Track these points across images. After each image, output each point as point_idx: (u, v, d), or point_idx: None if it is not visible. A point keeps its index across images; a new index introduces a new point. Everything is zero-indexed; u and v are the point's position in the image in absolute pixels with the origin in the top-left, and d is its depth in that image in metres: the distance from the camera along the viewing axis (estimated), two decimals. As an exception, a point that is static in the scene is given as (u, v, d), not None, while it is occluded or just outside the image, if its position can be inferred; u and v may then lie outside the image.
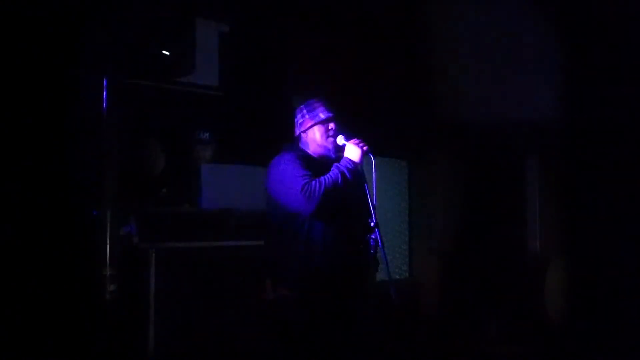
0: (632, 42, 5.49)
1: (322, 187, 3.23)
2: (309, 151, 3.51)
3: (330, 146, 3.50)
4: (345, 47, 5.44)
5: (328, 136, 3.49)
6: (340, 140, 3.49)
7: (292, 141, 3.59)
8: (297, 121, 3.55)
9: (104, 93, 3.49)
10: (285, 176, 3.28)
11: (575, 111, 5.81)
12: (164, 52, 3.58)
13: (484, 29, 5.75)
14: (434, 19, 5.73)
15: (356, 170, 3.39)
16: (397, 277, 5.92)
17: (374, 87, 5.60)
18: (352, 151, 3.42)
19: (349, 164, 3.38)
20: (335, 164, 3.41)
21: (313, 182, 3.23)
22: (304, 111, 3.53)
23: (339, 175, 3.31)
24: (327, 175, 3.30)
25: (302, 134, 3.53)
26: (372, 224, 3.40)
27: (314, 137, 3.50)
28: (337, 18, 5.37)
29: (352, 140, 3.46)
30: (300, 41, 5.22)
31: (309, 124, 3.49)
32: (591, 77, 5.70)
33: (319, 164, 3.40)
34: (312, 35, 5.28)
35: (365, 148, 3.43)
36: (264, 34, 5.04)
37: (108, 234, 3.63)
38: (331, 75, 5.22)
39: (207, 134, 4.87)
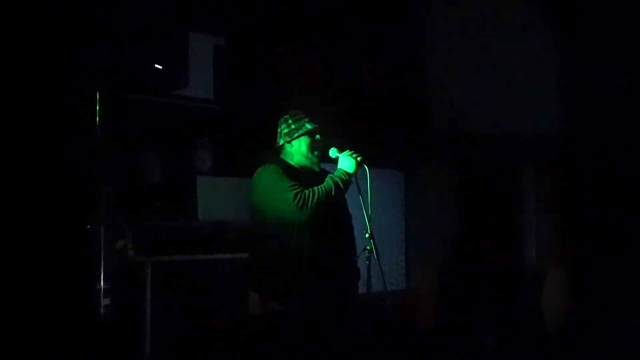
0: (631, 52, 5.50)
1: (315, 197, 3.22)
2: (291, 162, 3.49)
3: (315, 159, 3.48)
4: (339, 58, 5.45)
5: (314, 148, 3.47)
6: (333, 152, 3.48)
7: (273, 150, 3.56)
8: (281, 131, 3.51)
9: (97, 107, 3.49)
10: (275, 187, 3.26)
11: (571, 121, 5.82)
12: (157, 66, 3.58)
13: (481, 40, 5.76)
14: (430, 29, 5.74)
15: (349, 182, 3.39)
16: (394, 288, 5.91)
17: (369, 98, 5.60)
18: (346, 163, 3.41)
19: (343, 175, 3.37)
20: (330, 174, 3.40)
21: (306, 192, 3.22)
22: (289, 121, 3.49)
23: (333, 186, 3.30)
24: (321, 185, 3.29)
25: (286, 144, 3.49)
26: (367, 235, 3.40)
27: (299, 149, 3.47)
28: (332, 29, 5.38)
29: (345, 152, 3.45)
30: (294, 53, 5.23)
31: (295, 135, 3.46)
32: (588, 86, 5.70)
33: (302, 176, 3.38)
34: (306, 47, 5.29)
35: (359, 159, 3.42)
36: (258, 46, 5.05)
37: (102, 247, 3.62)
38: (326, 86, 5.22)
39: (206, 140, 4.87)
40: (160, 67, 3.60)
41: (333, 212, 3.36)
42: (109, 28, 3.46)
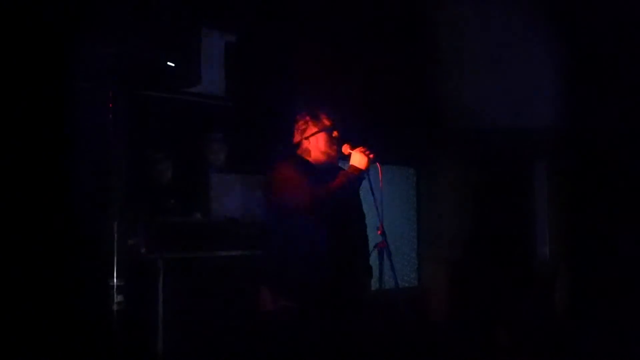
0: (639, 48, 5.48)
1: (330, 194, 3.22)
2: (309, 159, 3.48)
3: (334, 154, 3.47)
4: (351, 54, 5.44)
5: (332, 144, 3.46)
6: (346, 149, 3.47)
7: (290, 147, 3.55)
8: (299, 127, 3.49)
9: (110, 104, 3.51)
10: (290, 183, 3.26)
11: (583, 117, 5.80)
12: (169, 63, 3.59)
13: (491, 35, 5.75)
14: (440, 25, 5.73)
15: (362, 178, 3.38)
16: (406, 285, 5.91)
17: (381, 95, 5.59)
18: (358, 159, 3.40)
19: (355, 171, 3.36)
20: (342, 171, 3.39)
21: (321, 189, 3.22)
22: (307, 117, 3.48)
23: (346, 182, 3.29)
24: (334, 182, 3.29)
25: (303, 140, 3.48)
26: (379, 232, 3.39)
27: (317, 145, 3.45)
28: (343, 26, 5.37)
29: (357, 149, 3.44)
30: (306, 49, 5.22)
31: (313, 131, 3.45)
32: (599, 82, 5.68)
33: (319, 173, 3.37)
34: (317, 44, 5.28)
35: (371, 156, 3.41)
36: (270, 43, 5.04)
37: (115, 244, 3.64)
38: (337, 83, 5.22)
39: (218, 137, 4.88)
40: (173, 65, 3.61)
41: (347, 208, 3.35)
42: (121, 26, 3.47)
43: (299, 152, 3.51)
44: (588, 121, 5.77)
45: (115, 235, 3.68)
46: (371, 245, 3.52)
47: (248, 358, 4.17)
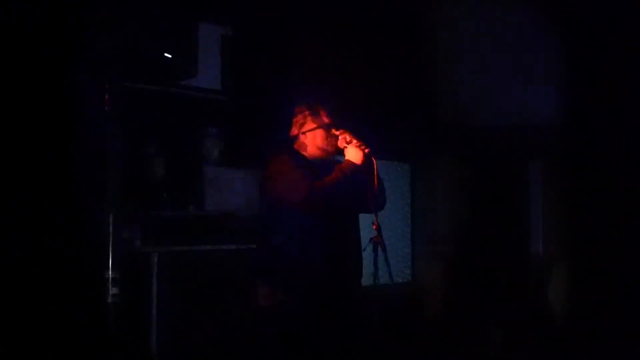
0: (636, 45, 5.48)
1: (326, 189, 3.22)
2: (305, 153, 3.47)
3: (330, 150, 3.47)
4: (347, 49, 5.44)
5: (330, 141, 3.44)
6: (342, 143, 3.47)
7: (286, 140, 3.54)
8: (298, 121, 3.48)
9: (106, 97, 3.50)
10: (287, 177, 3.26)
11: (579, 115, 5.80)
12: (166, 54, 3.59)
13: (487, 32, 5.75)
14: (437, 22, 5.73)
15: (357, 173, 3.38)
16: (400, 280, 5.91)
17: (377, 90, 5.59)
18: (354, 154, 3.40)
19: (351, 166, 3.36)
20: (337, 166, 3.39)
21: (317, 184, 3.22)
22: (306, 112, 3.47)
23: (341, 177, 3.29)
24: (330, 177, 3.29)
25: (300, 135, 3.48)
26: (374, 227, 3.39)
27: (314, 141, 3.45)
28: (340, 21, 5.37)
29: (353, 143, 3.44)
30: (302, 44, 5.22)
31: (312, 126, 3.45)
32: (595, 80, 5.69)
33: (314, 168, 3.37)
34: (314, 38, 5.28)
35: (366, 151, 3.41)
36: (266, 37, 5.04)
37: (110, 237, 3.64)
38: (333, 77, 5.21)
39: (215, 130, 4.87)
40: (170, 56, 3.60)
41: (343, 203, 3.35)
42: (118, 17, 3.46)
43: (295, 145, 3.51)
44: (584, 119, 5.77)
45: (111, 228, 3.68)
46: (366, 240, 3.51)
47: (244, 352, 4.17)
